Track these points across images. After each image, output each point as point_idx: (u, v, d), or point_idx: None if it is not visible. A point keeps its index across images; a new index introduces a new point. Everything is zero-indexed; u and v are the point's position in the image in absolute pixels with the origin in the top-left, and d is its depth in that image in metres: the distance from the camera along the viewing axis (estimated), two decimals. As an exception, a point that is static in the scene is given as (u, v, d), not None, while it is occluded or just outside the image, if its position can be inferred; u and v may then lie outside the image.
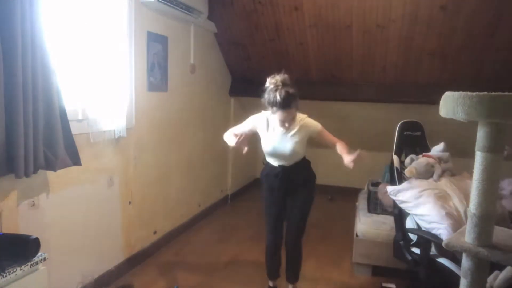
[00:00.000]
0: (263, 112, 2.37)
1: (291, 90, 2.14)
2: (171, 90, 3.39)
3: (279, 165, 2.38)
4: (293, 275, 2.56)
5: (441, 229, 2.11)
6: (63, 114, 2.07)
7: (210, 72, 4.19)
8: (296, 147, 2.31)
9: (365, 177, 4.08)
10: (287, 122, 2.24)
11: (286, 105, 2.14)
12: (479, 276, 1.38)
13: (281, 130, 2.31)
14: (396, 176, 2.59)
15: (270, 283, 2.64)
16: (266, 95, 2.20)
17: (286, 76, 2.19)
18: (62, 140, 2.07)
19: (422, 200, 2.27)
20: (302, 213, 2.43)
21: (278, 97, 2.11)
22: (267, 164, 2.46)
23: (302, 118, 2.34)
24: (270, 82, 2.19)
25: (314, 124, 2.36)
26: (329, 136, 2.37)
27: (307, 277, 2.84)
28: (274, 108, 2.18)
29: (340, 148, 2.27)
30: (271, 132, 2.34)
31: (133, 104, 2.86)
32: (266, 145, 2.37)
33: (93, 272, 2.57)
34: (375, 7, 3.43)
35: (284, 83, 2.16)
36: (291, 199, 2.43)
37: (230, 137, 2.35)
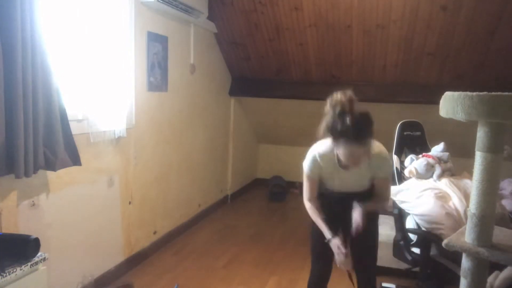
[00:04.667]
0: (312, 148, 1.84)
1: (363, 110, 1.59)
2: (171, 90, 3.39)
3: (342, 194, 1.83)
4: None
5: (441, 229, 2.11)
6: (63, 114, 2.07)
7: (210, 72, 4.19)
8: (365, 188, 1.84)
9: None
10: (360, 160, 1.66)
11: (362, 134, 1.56)
12: (479, 276, 1.38)
13: (342, 167, 1.78)
14: (396, 176, 2.60)
15: None
16: (328, 123, 1.62)
17: (351, 93, 1.60)
18: (62, 140, 2.07)
19: (422, 200, 2.27)
20: (373, 256, 1.98)
21: (349, 122, 1.54)
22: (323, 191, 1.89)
23: (376, 146, 1.75)
24: (331, 104, 1.61)
25: (390, 161, 1.84)
26: (387, 190, 1.88)
27: (307, 278, 2.83)
28: (343, 140, 1.59)
29: (374, 200, 1.85)
30: (327, 172, 1.83)
31: (133, 104, 2.86)
32: (321, 186, 1.89)
33: (93, 272, 2.57)
34: (375, 7, 3.43)
35: (351, 102, 1.58)
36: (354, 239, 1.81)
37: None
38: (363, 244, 1.85)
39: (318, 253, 2.00)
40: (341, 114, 1.56)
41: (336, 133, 1.58)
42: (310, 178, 1.86)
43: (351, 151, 1.60)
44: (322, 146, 1.78)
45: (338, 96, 1.60)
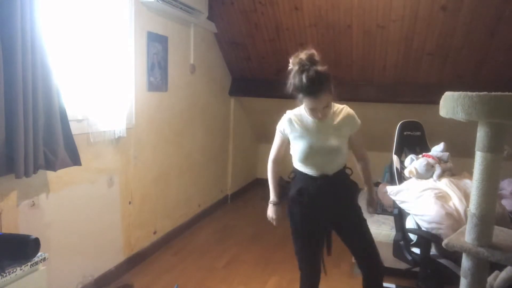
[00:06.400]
0: (287, 112, 1.95)
1: (320, 68, 1.68)
2: (171, 90, 3.39)
3: (320, 175, 1.85)
4: None
5: (441, 229, 2.11)
6: (63, 114, 2.07)
7: (210, 72, 4.19)
8: (341, 143, 1.85)
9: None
10: (320, 111, 1.78)
11: (315, 89, 1.68)
12: (479, 276, 1.38)
13: (315, 122, 1.84)
14: (396, 176, 2.60)
15: None
16: (290, 80, 1.74)
17: (313, 52, 1.71)
18: (62, 140, 2.07)
19: (422, 200, 2.27)
20: (369, 236, 1.96)
21: (304, 80, 1.66)
22: (299, 177, 1.92)
23: (343, 107, 1.91)
24: (293, 63, 1.72)
25: (357, 118, 1.92)
26: (361, 142, 2.00)
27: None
28: (301, 95, 1.74)
29: (365, 174, 2.05)
30: (304, 130, 1.86)
31: (133, 104, 2.86)
32: (300, 147, 1.86)
33: (93, 272, 2.57)
34: (375, 7, 3.43)
35: (311, 61, 1.69)
36: (343, 223, 1.94)
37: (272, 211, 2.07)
38: (354, 220, 1.95)
39: (308, 256, 1.99)
40: (300, 72, 1.69)
41: (295, 89, 1.74)
42: (280, 135, 1.97)
43: (309, 104, 1.77)
44: (295, 109, 1.95)
45: (299, 55, 1.72)
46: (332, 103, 1.87)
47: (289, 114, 1.93)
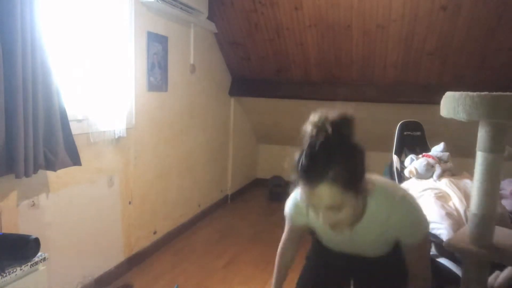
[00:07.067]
0: (295, 191, 1.31)
1: (339, 139, 1.01)
2: (171, 90, 3.38)
3: (348, 257, 1.35)
4: None
5: (441, 229, 2.11)
6: (63, 114, 2.07)
7: (210, 72, 4.19)
8: (383, 252, 1.28)
9: (365, 177, 4.07)
10: (326, 217, 1.08)
11: (313, 173, 1.01)
12: (479, 276, 1.38)
13: None
14: (396, 176, 2.60)
15: None
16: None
17: (347, 113, 1.05)
18: (62, 140, 2.07)
19: (422, 200, 2.27)
20: None
21: (303, 154, 1.03)
22: (316, 244, 1.46)
23: (398, 197, 1.18)
24: (310, 121, 1.06)
25: (423, 224, 1.21)
26: (418, 258, 1.21)
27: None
28: (296, 176, 1.06)
29: None
30: (317, 223, 1.23)
31: (133, 104, 2.86)
32: (318, 238, 1.43)
33: (93, 272, 2.57)
34: (375, 7, 3.43)
35: (335, 127, 1.01)
36: None
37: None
38: None
39: None
40: (308, 139, 1.03)
41: (293, 173, 1.05)
42: (289, 222, 1.40)
43: (303, 196, 1.05)
44: None
45: (326, 112, 1.04)
46: (376, 184, 1.19)
47: (296, 197, 1.31)
